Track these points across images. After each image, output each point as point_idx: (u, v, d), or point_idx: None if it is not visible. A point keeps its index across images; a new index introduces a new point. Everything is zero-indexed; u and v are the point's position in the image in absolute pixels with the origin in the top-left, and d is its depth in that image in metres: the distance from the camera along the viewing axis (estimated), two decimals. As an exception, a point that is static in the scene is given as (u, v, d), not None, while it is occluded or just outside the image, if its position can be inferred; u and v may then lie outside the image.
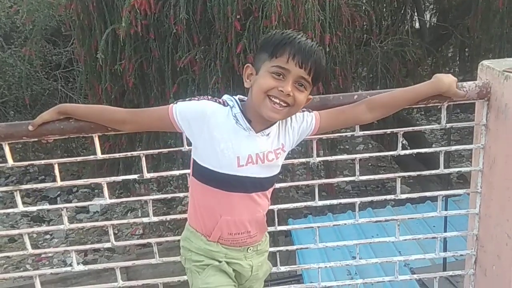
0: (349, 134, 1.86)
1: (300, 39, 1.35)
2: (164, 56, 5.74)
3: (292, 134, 1.48)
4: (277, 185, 1.70)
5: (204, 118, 1.38)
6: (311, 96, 1.44)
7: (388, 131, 1.78)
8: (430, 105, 1.58)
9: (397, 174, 1.78)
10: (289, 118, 1.47)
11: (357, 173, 1.78)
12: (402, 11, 7.46)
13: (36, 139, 1.54)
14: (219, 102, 1.41)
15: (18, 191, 1.73)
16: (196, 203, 1.51)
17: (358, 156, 1.77)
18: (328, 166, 6.73)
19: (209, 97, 1.43)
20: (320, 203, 1.83)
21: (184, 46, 5.48)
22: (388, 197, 1.85)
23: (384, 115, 1.61)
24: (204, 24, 5.45)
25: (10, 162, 1.64)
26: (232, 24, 5.07)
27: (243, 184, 1.43)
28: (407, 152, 1.85)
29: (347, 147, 9.42)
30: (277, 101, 1.34)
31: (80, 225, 1.97)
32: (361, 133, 1.79)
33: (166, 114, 1.42)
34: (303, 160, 1.87)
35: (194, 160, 1.47)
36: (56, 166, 1.70)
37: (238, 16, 5.06)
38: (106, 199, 1.73)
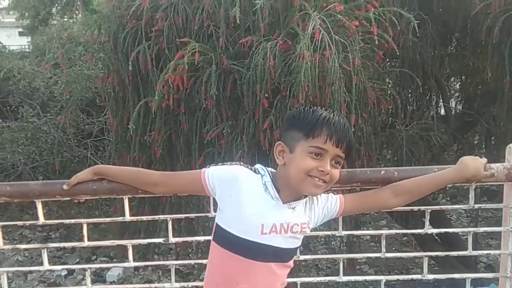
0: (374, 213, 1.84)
1: (334, 119, 1.42)
2: (192, 129, 5.90)
3: (317, 212, 1.52)
4: (302, 257, 1.69)
5: (235, 182, 1.43)
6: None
7: (415, 208, 1.77)
8: (458, 184, 1.57)
9: (424, 254, 1.74)
10: (317, 198, 1.52)
11: (383, 249, 1.75)
12: (428, 97, 7.59)
13: (68, 198, 1.58)
14: (251, 169, 1.48)
15: (45, 249, 1.75)
16: (213, 269, 1.51)
17: (385, 232, 1.76)
18: (350, 247, 6.58)
19: (242, 163, 1.50)
20: (345, 278, 1.79)
21: (213, 120, 5.64)
22: (415, 276, 1.80)
23: (409, 201, 1.65)
24: (233, 100, 5.64)
25: (41, 219, 1.68)
26: (260, 102, 5.22)
27: (264, 252, 1.44)
28: (435, 231, 1.83)
29: (370, 229, 9.23)
30: (317, 179, 1.41)
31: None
32: (387, 210, 1.77)
33: (199, 177, 1.48)
34: (329, 233, 1.85)
35: (217, 225, 1.49)
36: (85, 226, 1.73)
37: (266, 94, 5.22)
38: (131, 262, 1.73)
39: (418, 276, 1.73)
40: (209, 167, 1.50)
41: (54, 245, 1.98)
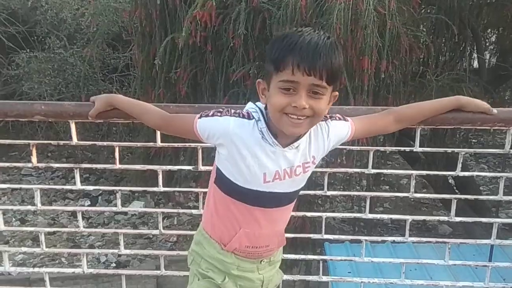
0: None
1: (303, 43, 1.21)
2: (218, 68, 5.84)
3: (325, 145, 1.41)
4: (329, 192, 1.67)
5: (226, 136, 1.33)
6: (336, 93, 1.32)
7: (449, 150, 1.73)
8: (496, 128, 1.52)
9: (454, 196, 1.72)
10: (321, 127, 1.39)
11: (412, 189, 1.73)
12: (462, 47, 7.34)
13: (101, 121, 1.58)
14: (243, 116, 1.34)
15: (77, 169, 1.78)
16: (214, 210, 1.45)
17: (415, 172, 1.73)
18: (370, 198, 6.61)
19: (233, 111, 1.36)
20: (371, 215, 1.79)
21: (239, 60, 5.56)
22: (442, 218, 1.79)
23: (406, 126, 1.60)
24: (261, 41, 5.53)
25: (75, 140, 1.70)
26: (289, 43, 5.11)
27: (268, 199, 1.38)
28: (466, 173, 1.79)
29: (391, 179, 9.23)
30: (295, 116, 1.25)
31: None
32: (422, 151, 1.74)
33: (192, 128, 1.38)
34: (358, 170, 1.84)
35: (218, 169, 1.41)
36: (116, 149, 1.74)
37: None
38: (160, 187, 1.75)
39: (445, 218, 1.72)
40: (200, 117, 1.37)
41: (86, 165, 2.01)
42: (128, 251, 1.86)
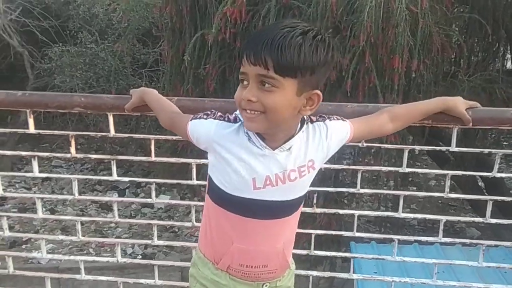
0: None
1: (259, 32, 1.15)
2: (247, 65, 5.86)
3: (324, 146, 1.28)
4: (362, 190, 1.67)
5: (209, 140, 1.24)
6: (316, 92, 1.17)
7: (486, 150, 1.71)
8: None
9: (489, 197, 1.70)
10: (319, 128, 1.27)
11: (447, 189, 1.72)
12: (495, 48, 7.18)
13: (139, 114, 1.61)
14: (228, 120, 1.24)
15: (114, 161, 1.82)
16: (208, 224, 1.34)
17: (451, 172, 1.71)
18: (397, 197, 6.54)
19: (219, 114, 1.27)
20: (404, 214, 1.78)
21: (268, 57, 5.57)
22: (477, 219, 1.77)
23: (401, 128, 1.50)
24: (290, 38, 5.52)
25: (112, 132, 1.74)
26: (319, 40, 5.09)
27: (262, 209, 1.24)
28: (503, 175, 1.77)
29: (417, 180, 9.11)
30: (248, 110, 1.15)
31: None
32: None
33: (186, 132, 1.31)
34: (392, 169, 1.82)
35: (210, 177, 1.30)
36: (152, 142, 1.78)
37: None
38: (194, 181, 1.77)
39: (480, 219, 1.70)
40: (192, 119, 1.29)
41: (123, 157, 2.05)
42: (161, 242, 1.90)
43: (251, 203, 1.23)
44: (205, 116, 1.26)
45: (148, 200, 1.90)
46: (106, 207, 8.95)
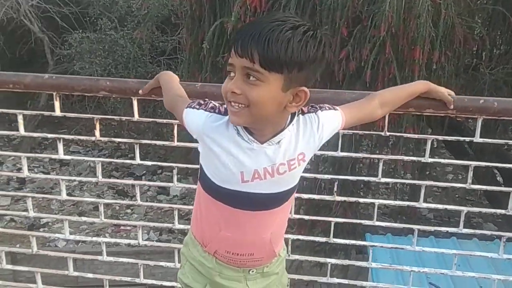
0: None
1: (247, 26, 1.12)
2: (266, 53, 5.84)
3: (316, 139, 1.26)
4: (383, 179, 1.66)
5: (199, 132, 1.23)
6: (303, 89, 1.14)
7: (511, 142, 1.69)
8: None
9: (510, 189, 1.68)
10: (310, 119, 1.25)
11: (469, 180, 1.70)
12: (518, 40, 7.06)
13: (161, 99, 1.61)
14: (219, 112, 1.23)
15: (138, 144, 1.84)
16: (199, 209, 1.35)
17: (473, 163, 1.70)
18: (414, 190, 6.51)
19: (211, 105, 1.25)
20: (425, 205, 1.77)
21: (287, 46, 5.55)
22: (498, 211, 1.76)
23: (388, 112, 1.52)
24: (310, 27, 5.49)
25: (136, 116, 1.75)
26: (339, 30, 5.06)
27: (250, 201, 1.24)
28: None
29: (434, 174, 9.04)
30: (232, 103, 1.13)
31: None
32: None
33: (181, 117, 1.30)
34: (414, 158, 1.81)
35: (201, 166, 1.29)
36: (175, 127, 1.79)
37: (346, 23, 5.04)
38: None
39: (502, 211, 1.69)
40: (187, 107, 1.27)
41: (146, 141, 2.07)
42: (181, 226, 1.92)
43: (239, 195, 1.23)
44: (197, 106, 1.25)
45: (170, 184, 1.92)
46: (123, 193, 9.06)
